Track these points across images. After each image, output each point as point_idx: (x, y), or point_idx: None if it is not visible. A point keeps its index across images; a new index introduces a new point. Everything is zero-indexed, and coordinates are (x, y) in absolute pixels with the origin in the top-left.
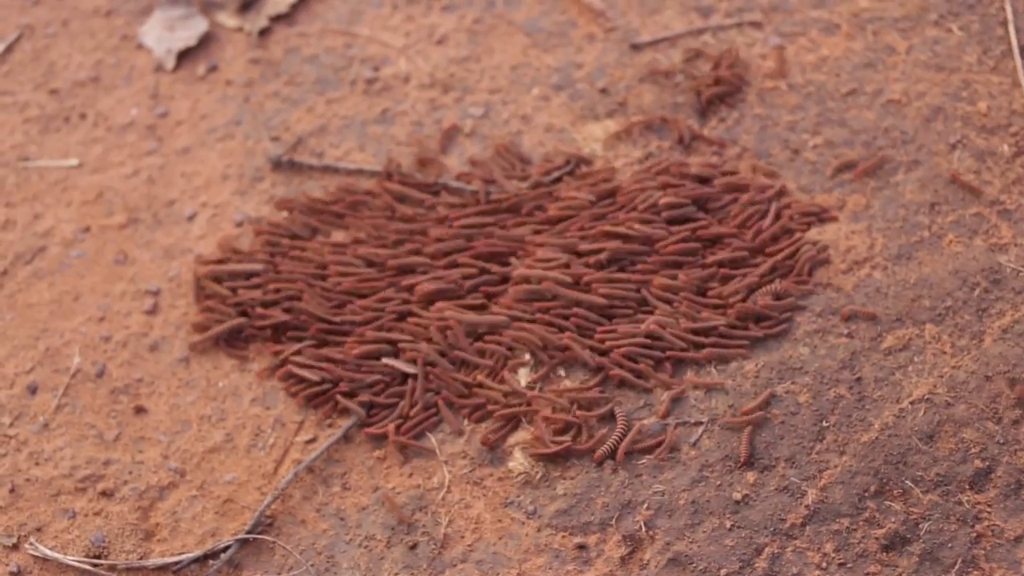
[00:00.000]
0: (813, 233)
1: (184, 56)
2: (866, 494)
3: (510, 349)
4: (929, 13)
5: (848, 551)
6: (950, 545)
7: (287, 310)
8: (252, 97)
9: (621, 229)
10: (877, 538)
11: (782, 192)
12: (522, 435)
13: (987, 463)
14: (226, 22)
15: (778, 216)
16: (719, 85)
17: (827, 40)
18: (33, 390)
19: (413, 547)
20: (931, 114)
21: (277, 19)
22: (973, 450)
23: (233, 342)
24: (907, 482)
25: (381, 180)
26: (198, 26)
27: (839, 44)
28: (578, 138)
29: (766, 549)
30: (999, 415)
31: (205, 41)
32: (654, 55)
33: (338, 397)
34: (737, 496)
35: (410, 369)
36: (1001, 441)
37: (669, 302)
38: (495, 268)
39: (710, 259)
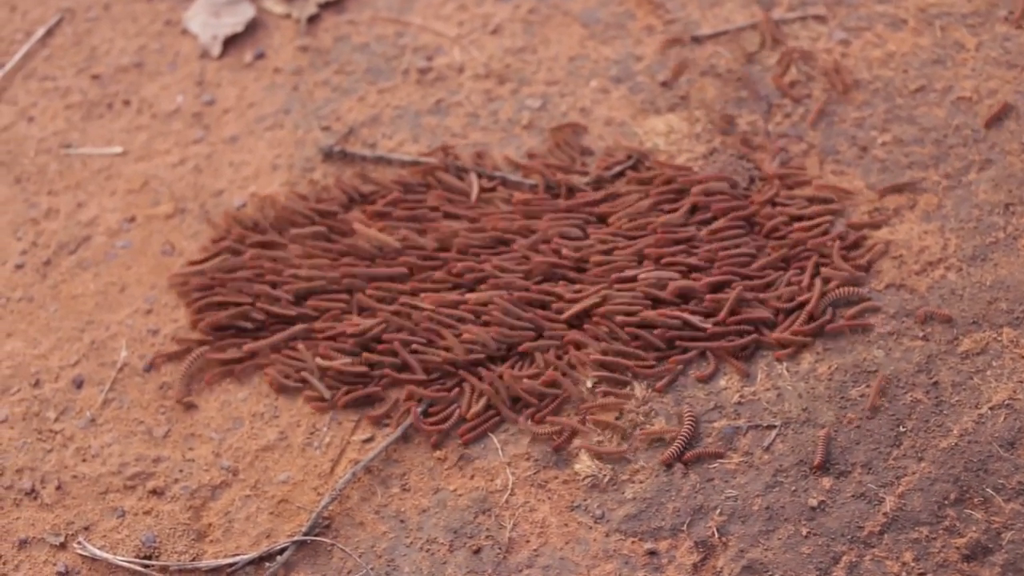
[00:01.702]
0: (884, 232)
1: (230, 43)
2: (946, 502)
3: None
4: (998, 9)
5: (928, 561)
6: None
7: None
8: (301, 86)
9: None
10: (958, 547)
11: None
12: (589, 436)
13: None
14: (273, 8)
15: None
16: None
17: (893, 36)
18: (79, 384)
19: (477, 551)
20: (1003, 112)
21: (326, 6)
22: None
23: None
24: (988, 490)
25: (430, 168)
26: (245, 12)
27: (906, 40)
28: (639, 132)
29: (844, 558)
30: None
31: (252, 28)
32: (715, 48)
33: (306, 375)
34: (813, 502)
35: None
36: None
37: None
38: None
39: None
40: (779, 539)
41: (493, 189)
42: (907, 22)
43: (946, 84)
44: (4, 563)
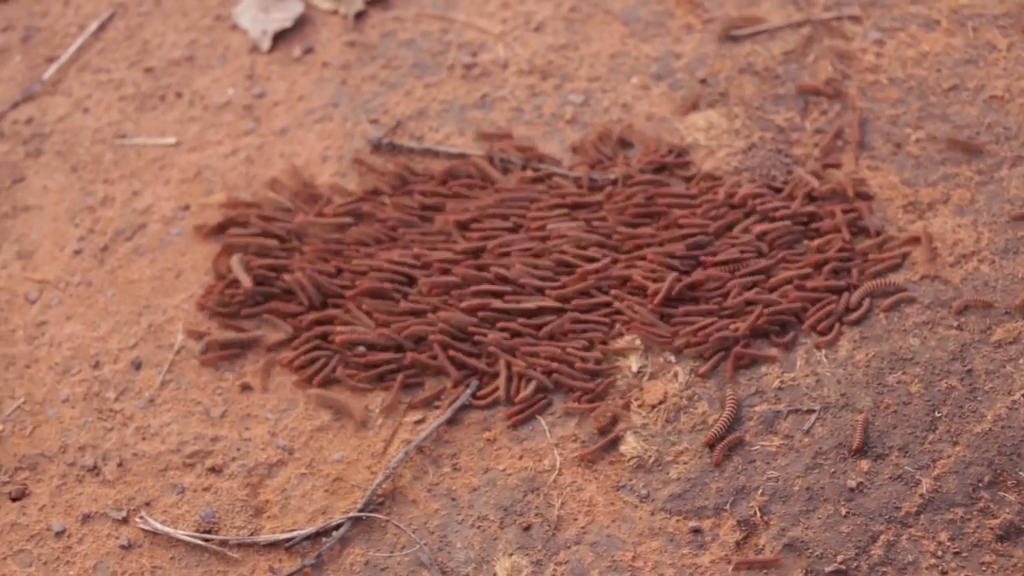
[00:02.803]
0: (919, 226)
1: (279, 38)
2: (980, 484)
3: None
4: None
5: (963, 541)
6: None
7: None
8: (349, 80)
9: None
10: (992, 528)
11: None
12: (634, 419)
13: None
14: (321, 4)
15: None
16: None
17: (927, 36)
18: (137, 366)
19: (527, 528)
20: None
21: (373, 3)
22: None
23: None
24: (1021, 473)
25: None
26: (293, 8)
27: (939, 40)
28: (680, 128)
29: (881, 536)
30: None
31: (300, 23)
32: (752, 47)
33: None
34: (851, 483)
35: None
36: None
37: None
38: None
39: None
40: (819, 518)
41: (540, 180)
42: (940, 23)
43: (978, 83)
44: (69, 536)
